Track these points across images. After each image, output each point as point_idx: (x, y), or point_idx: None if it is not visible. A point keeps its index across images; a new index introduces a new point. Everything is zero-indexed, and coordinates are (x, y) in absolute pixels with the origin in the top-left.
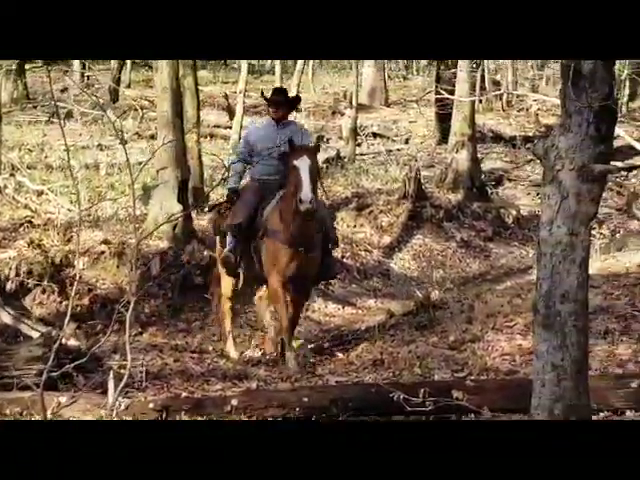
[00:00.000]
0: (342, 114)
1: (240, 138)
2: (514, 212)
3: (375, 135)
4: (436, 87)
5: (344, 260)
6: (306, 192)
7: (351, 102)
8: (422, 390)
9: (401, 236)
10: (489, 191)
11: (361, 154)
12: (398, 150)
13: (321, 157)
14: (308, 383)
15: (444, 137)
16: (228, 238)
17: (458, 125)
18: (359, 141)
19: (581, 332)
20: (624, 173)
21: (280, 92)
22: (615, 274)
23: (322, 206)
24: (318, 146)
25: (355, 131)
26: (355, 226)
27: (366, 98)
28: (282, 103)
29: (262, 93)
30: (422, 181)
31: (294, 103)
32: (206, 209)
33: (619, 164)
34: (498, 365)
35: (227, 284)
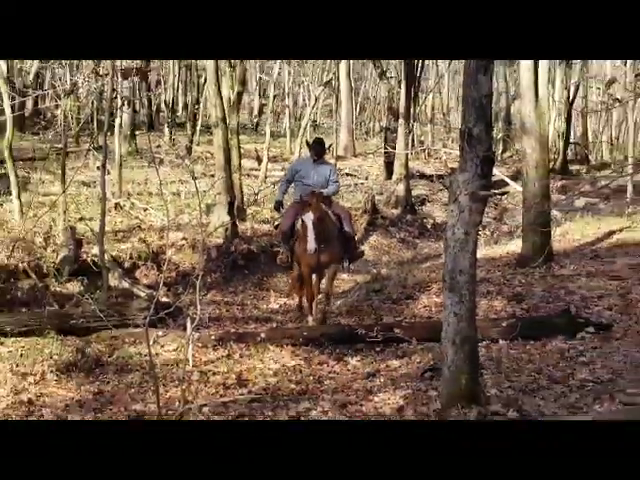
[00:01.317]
0: None
1: (266, 177)
2: (432, 221)
3: (347, 174)
4: (385, 144)
5: None
6: (310, 246)
7: (332, 154)
8: (376, 328)
9: (363, 236)
10: (417, 208)
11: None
12: (362, 184)
13: None
14: (306, 324)
15: (389, 175)
16: (282, 243)
17: (398, 168)
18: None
19: (471, 293)
20: (499, 196)
21: (320, 143)
22: (493, 258)
23: (337, 206)
24: (337, 186)
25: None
26: None
27: (342, 151)
28: (320, 150)
29: (307, 142)
30: (376, 202)
31: (327, 148)
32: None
33: (495, 191)
34: (422, 313)
35: (294, 274)
